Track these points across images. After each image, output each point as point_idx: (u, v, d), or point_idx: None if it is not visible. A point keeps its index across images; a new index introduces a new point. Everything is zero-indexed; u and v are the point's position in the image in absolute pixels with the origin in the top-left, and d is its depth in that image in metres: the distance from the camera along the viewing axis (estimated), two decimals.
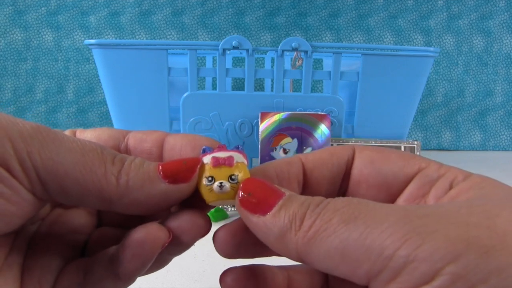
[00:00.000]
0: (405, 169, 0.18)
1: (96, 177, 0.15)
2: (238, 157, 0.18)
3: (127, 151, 0.21)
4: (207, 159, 0.18)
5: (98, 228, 0.21)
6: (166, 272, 0.35)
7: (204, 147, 0.18)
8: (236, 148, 0.18)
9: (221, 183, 0.17)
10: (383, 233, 0.13)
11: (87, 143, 0.16)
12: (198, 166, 0.17)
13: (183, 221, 0.17)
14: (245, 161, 0.18)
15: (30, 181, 0.15)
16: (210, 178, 0.17)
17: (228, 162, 0.17)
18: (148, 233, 0.17)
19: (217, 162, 0.17)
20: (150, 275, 0.34)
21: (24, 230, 0.19)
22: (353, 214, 0.13)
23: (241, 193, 0.16)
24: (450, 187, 0.17)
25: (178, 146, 0.20)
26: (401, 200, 0.18)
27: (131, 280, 0.18)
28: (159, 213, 0.20)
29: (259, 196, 0.16)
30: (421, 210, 0.13)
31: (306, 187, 0.19)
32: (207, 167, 0.17)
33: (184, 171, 0.17)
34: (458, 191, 0.16)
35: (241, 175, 0.17)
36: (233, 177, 0.17)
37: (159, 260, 0.19)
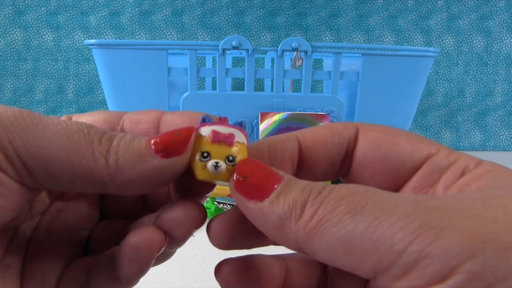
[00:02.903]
0: (413, 155, 0.17)
1: (83, 159, 0.15)
2: (239, 136, 0.16)
3: None
4: (206, 131, 0.16)
5: (100, 222, 0.21)
6: (166, 272, 0.35)
7: (204, 116, 0.17)
8: (239, 125, 0.17)
9: (217, 162, 0.15)
10: (393, 226, 0.12)
11: (73, 124, 0.15)
12: (193, 136, 0.16)
13: (176, 213, 0.17)
14: (246, 141, 0.16)
15: (16, 169, 0.14)
16: (205, 154, 0.16)
17: (228, 141, 0.16)
18: (143, 238, 0.16)
19: (216, 138, 0.16)
20: (150, 275, 0.34)
21: (21, 227, 0.18)
22: (360, 204, 0.13)
23: (236, 176, 0.15)
24: (462, 175, 0.16)
25: (175, 125, 0.19)
26: (408, 188, 0.17)
27: (133, 283, 0.17)
28: (157, 190, 0.19)
29: (255, 180, 0.15)
30: (433, 202, 0.13)
31: (302, 168, 0.18)
32: (204, 140, 0.16)
33: (177, 143, 0.15)
34: (468, 179, 0.15)
35: (239, 157, 0.16)
36: (230, 158, 0.15)
37: (160, 255, 0.18)
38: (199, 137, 0.16)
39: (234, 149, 0.16)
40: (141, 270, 0.17)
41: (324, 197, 0.13)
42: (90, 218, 0.20)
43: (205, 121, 0.16)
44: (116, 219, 0.21)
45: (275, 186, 0.14)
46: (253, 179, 0.15)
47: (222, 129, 0.16)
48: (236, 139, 0.16)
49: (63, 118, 0.20)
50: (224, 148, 0.16)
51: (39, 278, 0.17)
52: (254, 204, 0.14)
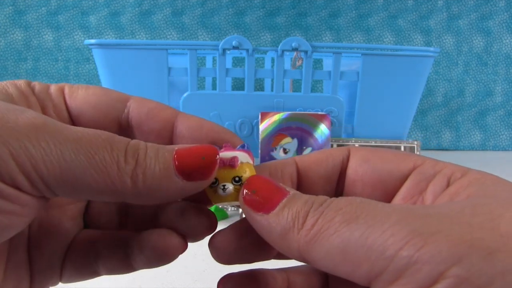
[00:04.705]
0: (400, 167, 0.18)
1: (108, 179, 0.14)
2: (243, 157, 0.17)
3: (128, 125, 0.19)
4: None
5: None
6: (166, 272, 0.35)
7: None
8: (242, 148, 0.18)
9: (224, 185, 0.17)
10: (385, 233, 0.12)
11: (94, 137, 0.15)
12: (217, 159, 0.16)
13: (191, 222, 0.18)
14: (251, 160, 0.17)
15: (39, 190, 0.14)
16: (214, 180, 0.17)
17: (231, 163, 0.17)
18: (168, 244, 0.17)
19: (221, 163, 0.17)
20: (150, 275, 0.34)
21: None
22: (355, 213, 0.13)
23: (245, 191, 0.16)
24: (448, 183, 0.16)
25: (195, 137, 0.19)
26: (398, 198, 0.18)
27: None
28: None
29: (263, 194, 0.16)
30: (423, 210, 0.13)
31: (301, 188, 0.19)
32: None
33: (203, 167, 0.16)
34: (457, 188, 0.16)
35: (246, 174, 0.17)
36: (236, 178, 0.17)
37: None
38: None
39: (239, 170, 0.17)
40: (158, 266, 0.18)
41: (324, 208, 0.14)
42: None
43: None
44: None
45: (281, 200, 0.15)
46: (261, 193, 0.16)
47: (226, 154, 0.17)
48: (240, 160, 0.17)
49: (54, 88, 0.18)
50: (229, 171, 0.17)
51: (46, 252, 0.18)
52: (261, 216, 0.15)
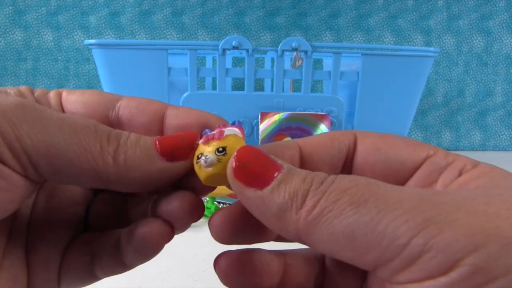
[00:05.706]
0: (412, 156, 0.17)
1: (91, 157, 0.15)
2: (230, 130, 0.16)
3: (118, 122, 0.19)
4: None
5: (97, 195, 0.21)
6: (166, 272, 0.35)
7: (205, 130, 0.17)
8: (233, 124, 0.17)
9: (206, 156, 0.16)
10: (397, 219, 0.12)
11: (79, 119, 0.15)
12: (196, 142, 0.17)
13: (174, 207, 0.17)
14: (240, 134, 0.17)
15: (22, 165, 0.14)
16: (199, 155, 0.16)
17: (217, 136, 0.16)
18: (151, 231, 0.17)
19: (206, 139, 0.16)
20: (150, 275, 0.34)
21: (20, 208, 0.18)
22: (363, 196, 0.13)
23: (235, 163, 0.15)
24: (459, 175, 0.16)
25: (181, 124, 0.19)
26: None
27: (137, 266, 0.18)
28: (157, 190, 0.19)
29: (255, 167, 0.14)
30: (437, 197, 0.13)
31: None
32: (199, 146, 0.17)
33: (182, 148, 0.16)
34: (467, 178, 0.15)
35: (230, 145, 0.16)
36: (220, 149, 0.16)
37: None
38: (196, 145, 0.17)
39: (223, 141, 0.16)
40: (148, 258, 0.17)
41: (326, 188, 0.13)
42: (86, 192, 0.20)
43: (206, 133, 0.17)
44: (112, 191, 0.21)
45: (275, 175, 0.14)
46: (253, 166, 0.14)
47: (213, 132, 0.17)
48: (226, 133, 0.16)
49: (52, 93, 0.19)
50: (214, 144, 0.16)
51: (43, 255, 0.18)
52: (254, 192, 0.14)
